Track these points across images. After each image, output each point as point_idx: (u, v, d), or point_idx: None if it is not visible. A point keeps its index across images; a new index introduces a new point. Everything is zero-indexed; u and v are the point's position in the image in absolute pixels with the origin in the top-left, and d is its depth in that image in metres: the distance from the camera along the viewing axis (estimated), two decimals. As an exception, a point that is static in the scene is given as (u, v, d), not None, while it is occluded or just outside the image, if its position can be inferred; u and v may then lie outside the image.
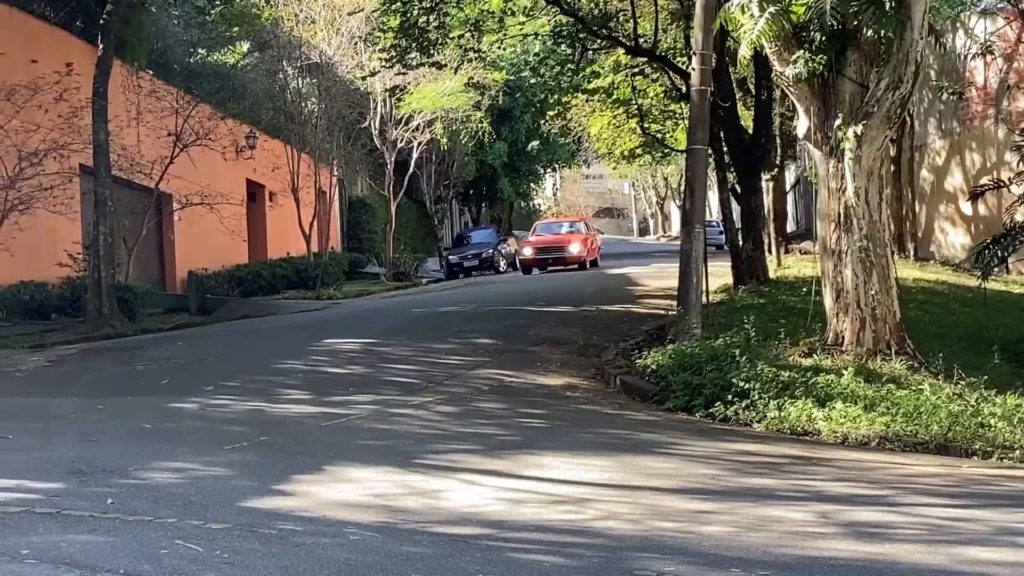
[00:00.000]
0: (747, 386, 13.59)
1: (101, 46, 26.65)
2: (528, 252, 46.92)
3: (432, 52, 29.32)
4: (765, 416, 13.09)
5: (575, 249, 45.98)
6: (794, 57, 15.42)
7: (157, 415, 12.87)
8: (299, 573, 6.67)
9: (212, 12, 41.41)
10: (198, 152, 32.17)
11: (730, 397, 13.60)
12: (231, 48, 46.44)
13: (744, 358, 14.41)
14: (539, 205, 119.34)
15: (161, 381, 16.42)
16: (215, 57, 44.65)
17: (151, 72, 34.31)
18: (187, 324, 28.54)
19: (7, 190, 23.80)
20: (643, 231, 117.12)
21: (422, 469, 10.11)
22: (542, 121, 51.93)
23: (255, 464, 10.05)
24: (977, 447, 11.76)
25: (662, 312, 22.89)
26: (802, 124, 16.11)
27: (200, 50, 42.40)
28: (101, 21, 27.33)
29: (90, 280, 25.89)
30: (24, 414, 13.03)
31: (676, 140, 39.14)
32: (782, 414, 12.94)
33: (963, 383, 13.44)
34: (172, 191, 32.99)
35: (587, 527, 8.20)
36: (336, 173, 46.93)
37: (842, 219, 15.35)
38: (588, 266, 46.07)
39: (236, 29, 43.33)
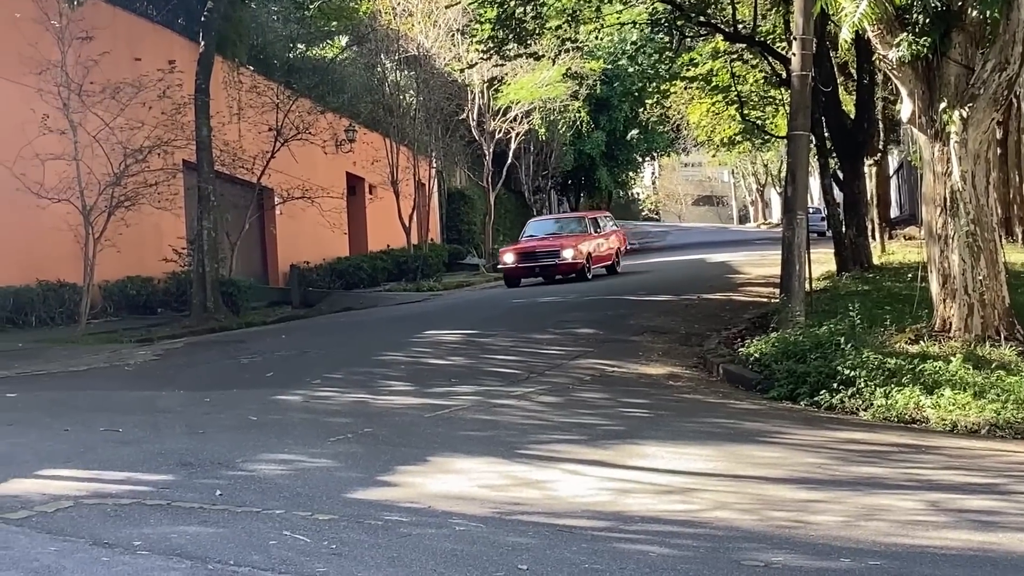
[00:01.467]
0: (853, 374, 13.42)
1: (203, 43, 26.97)
2: (510, 259, 35.67)
3: (529, 43, 29.34)
4: (872, 404, 12.90)
5: (569, 255, 34.77)
6: (897, 40, 15.18)
7: (262, 407, 12.98)
8: (406, 564, 6.68)
9: (311, 7, 41.75)
10: (298, 146, 32.45)
11: (835, 385, 13.42)
12: (330, 42, 46.79)
13: (849, 345, 14.22)
14: (637, 194, 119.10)
15: (266, 374, 16.57)
16: (314, 52, 45.00)
17: (251, 68, 34.69)
18: (290, 317, 28.79)
19: (113, 187, 24.15)
20: (743, 219, 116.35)
21: (526, 459, 10.09)
22: (640, 110, 51.72)
23: (360, 455, 10.09)
24: (1091, 434, 11.52)
25: (764, 300, 22.72)
26: (906, 108, 15.84)
27: (299, 45, 42.76)
28: (202, 18, 27.67)
29: (194, 275, 26.23)
30: (133, 407, 13.20)
31: (776, 126, 38.84)
32: (889, 402, 12.75)
33: (1076, 369, 13.16)
34: (273, 185, 33.33)
35: (694, 517, 8.13)
36: (435, 165, 47.11)
37: (948, 204, 15.08)
38: (607, 271, 37.78)
39: (334, 23, 43.64)
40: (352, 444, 10.65)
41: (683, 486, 9.16)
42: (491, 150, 49.31)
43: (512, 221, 59.64)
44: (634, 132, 65.43)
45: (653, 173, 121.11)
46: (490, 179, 50.19)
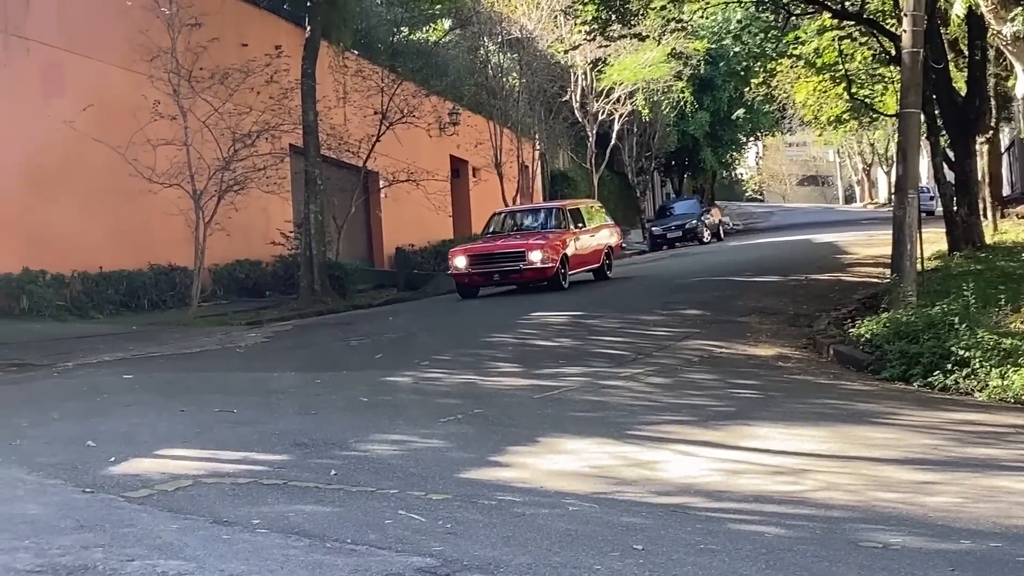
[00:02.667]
0: (967, 354, 13.21)
1: (308, 28, 27.22)
2: (461, 264, 26.80)
3: (633, 23, 29.20)
4: (987, 385, 12.70)
5: (537, 257, 26.21)
6: (1012, 14, 14.94)
7: (373, 388, 13.07)
8: (521, 543, 6.70)
9: (415, -9, 41.91)
10: (403, 130, 32.62)
11: (949, 366, 13.23)
12: (433, 26, 46.91)
13: (963, 325, 13.99)
14: (741, 175, 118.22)
15: (375, 355, 16.71)
16: (417, 35, 45.16)
17: (356, 52, 34.90)
18: (396, 299, 29.01)
19: (223, 171, 24.48)
20: (848, 198, 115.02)
21: (636, 440, 10.07)
22: (745, 89, 51.24)
23: (470, 436, 10.14)
24: None
25: (874, 280, 22.47)
26: (1020, 84, 15.61)
27: (403, 29, 42.92)
28: (308, 3, 27.92)
29: (302, 258, 26.51)
30: (246, 388, 13.39)
31: (885, 104, 38.28)
32: (1005, 383, 12.54)
33: None
34: (379, 169, 33.56)
35: (807, 498, 8.07)
36: (538, 147, 47.11)
37: (1064, 181, 14.80)
38: (595, 276, 29.62)
39: (438, 7, 43.70)
40: (463, 425, 10.71)
41: (795, 467, 9.10)
42: (594, 131, 49.23)
43: (615, 203, 59.45)
44: (739, 112, 64.86)
45: (757, 153, 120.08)
46: (593, 160, 50.11)
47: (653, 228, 52.55)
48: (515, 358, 15.79)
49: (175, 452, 9.36)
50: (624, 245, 43.46)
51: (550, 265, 26.35)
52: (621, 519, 7.37)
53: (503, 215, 30.95)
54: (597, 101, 48.66)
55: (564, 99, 47.11)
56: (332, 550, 6.49)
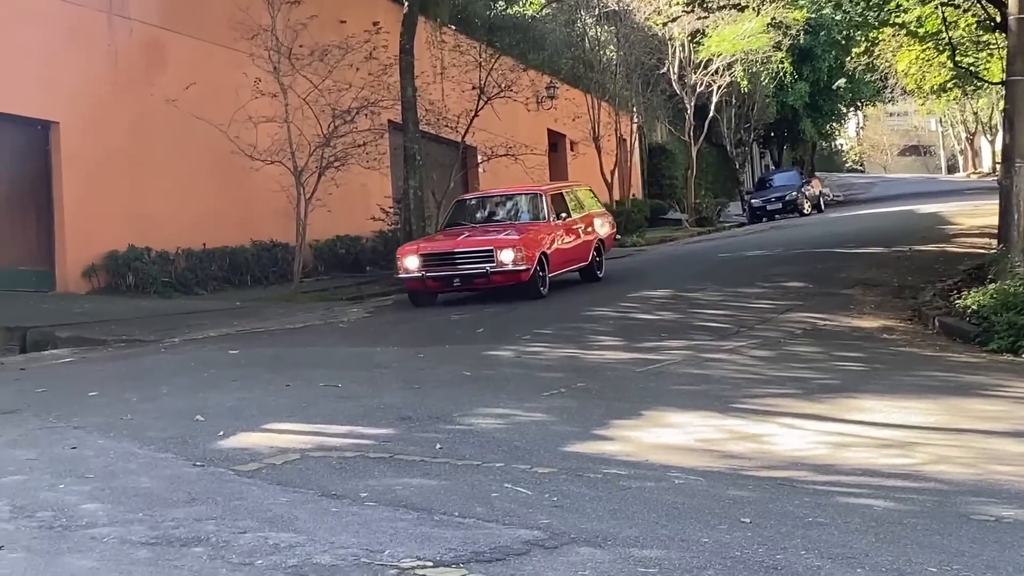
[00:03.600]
0: (1077, 325, 13.00)
1: (406, 4, 27.24)
2: (413, 265, 20.99)
3: (732, -7, 28.96)
4: (1097, 356, 12.50)
5: (507, 257, 20.39)
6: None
7: (475, 362, 13.13)
8: (628, 516, 6.71)
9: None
10: (500, 104, 32.59)
11: (1059, 337, 13.04)
12: (530, 0, 46.84)
13: (1073, 296, 13.77)
14: (841, 146, 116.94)
15: (476, 329, 16.77)
16: (514, 9, 45.09)
17: (453, 27, 34.93)
18: (495, 274, 29.01)
19: (323, 148, 24.63)
20: (951, 168, 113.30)
21: (741, 413, 10.03)
22: (846, 59, 50.61)
23: (574, 409, 10.16)
24: None
25: (980, 251, 22.12)
26: None
27: (499, 3, 42.90)
28: (405, -20, 27.97)
29: (401, 233, 26.61)
30: (350, 363, 13.50)
31: (990, 72, 37.62)
32: (1116, 353, 12.34)
33: None
34: (477, 143, 33.59)
35: (916, 471, 7.99)
36: (636, 120, 46.93)
37: None
38: (581, 276, 23.71)
39: (535, -19, 43.71)
40: (566, 398, 10.73)
41: (903, 440, 9.02)
42: (692, 104, 48.90)
43: (714, 175, 59.21)
44: (840, 82, 64.08)
45: (858, 124, 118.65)
46: (691, 133, 49.80)
47: (752, 200, 52.12)
48: (616, 332, 15.80)
49: (282, 426, 9.49)
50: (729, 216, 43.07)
51: (524, 268, 20.33)
52: (728, 492, 7.35)
53: (470, 202, 24.72)
54: (695, 73, 48.30)
55: (662, 71, 46.82)
56: (440, 523, 6.54)
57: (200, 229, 24.46)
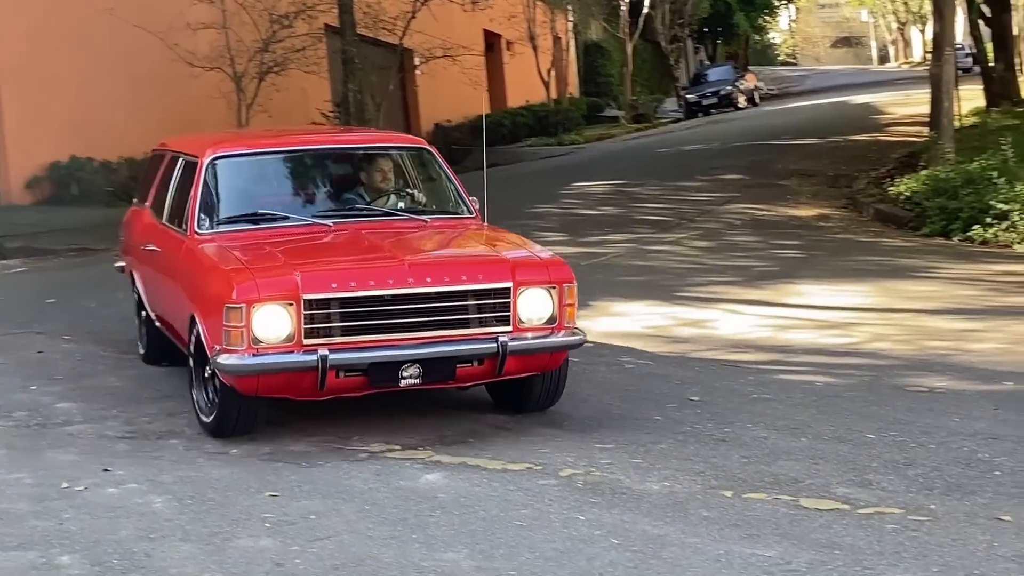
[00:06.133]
0: (1007, 207, 13.36)
1: (340, -99, 27.05)
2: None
3: None
4: (1026, 236, 12.92)
5: None
6: None
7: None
8: (583, 399, 7.10)
9: None
10: (437, 5, 32.49)
11: (988, 219, 13.41)
12: None
13: (1002, 179, 14.11)
14: (774, 39, 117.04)
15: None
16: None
17: (388, -73, 34.66)
18: (436, 175, 29.15)
19: (262, 53, 24.58)
20: (883, 59, 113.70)
21: (685, 301, 10.40)
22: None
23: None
24: None
25: (912, 139, 22.50)
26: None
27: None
28: None
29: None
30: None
31: (919, -38, 37.87)
32: (1044, 234, 12.76)
33: None
34: (414, 46, 33.53)
35: (855, 348, 8.39)
36: (571, 18, 46.84)
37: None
38: None
39: None
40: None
41: (841, 321, 9.42)
42: (627, 0, 48.83)
43: (649, 72, 59.12)
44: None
45: (790, 16, 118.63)
46: (626, 30, 49.74)
47: (688, 96, 52.18)
48: (560, 227, 16.05)
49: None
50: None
51: None
52: (677, 373, 7.73)
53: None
54: (629, -31, 48.21)
55: (596, -33, 46.70)
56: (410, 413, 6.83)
57: (142, 138, 24.22)
